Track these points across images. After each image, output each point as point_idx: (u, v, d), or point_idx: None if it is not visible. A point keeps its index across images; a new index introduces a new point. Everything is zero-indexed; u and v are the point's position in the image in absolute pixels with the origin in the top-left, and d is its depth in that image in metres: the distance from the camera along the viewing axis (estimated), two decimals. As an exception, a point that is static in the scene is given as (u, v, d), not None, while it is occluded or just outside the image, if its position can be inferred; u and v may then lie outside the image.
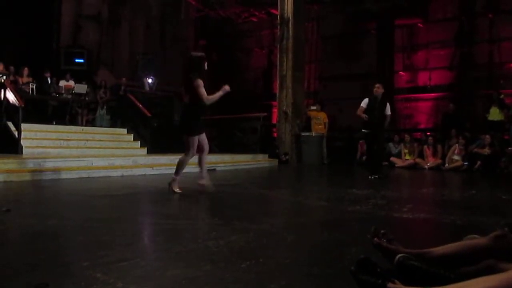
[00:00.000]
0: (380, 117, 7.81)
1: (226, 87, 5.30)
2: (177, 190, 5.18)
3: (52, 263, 2.29)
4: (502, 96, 11.02)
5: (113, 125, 11.93)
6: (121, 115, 12.27)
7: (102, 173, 7.43)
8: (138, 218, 3.89)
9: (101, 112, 12.46)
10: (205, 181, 5.35)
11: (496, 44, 13.79)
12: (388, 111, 7.88)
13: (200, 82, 5.08)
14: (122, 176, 7.56)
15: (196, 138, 5.17)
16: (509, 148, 9.79)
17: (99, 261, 2.27)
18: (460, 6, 14.45)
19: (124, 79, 13.12)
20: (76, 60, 13.98)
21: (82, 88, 11.53)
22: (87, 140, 9.55)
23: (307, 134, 12.43)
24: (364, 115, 7.74)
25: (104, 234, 3.04)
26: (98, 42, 15.68)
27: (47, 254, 2.47)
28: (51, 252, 2.55)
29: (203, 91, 5.08)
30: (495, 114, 10.80)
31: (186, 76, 5.31)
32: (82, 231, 3.14)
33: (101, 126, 11.76)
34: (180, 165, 5.33)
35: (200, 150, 5.29)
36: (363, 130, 8.20)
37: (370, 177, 7.67)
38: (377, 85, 8.06)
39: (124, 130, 10.83)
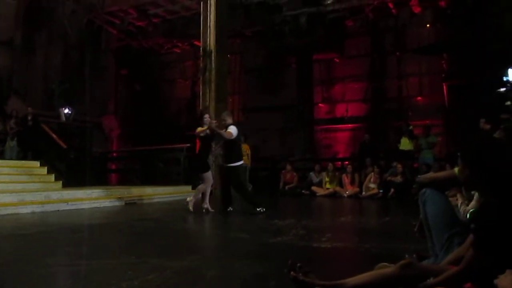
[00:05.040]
0: (223, 149, 7.28)
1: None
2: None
3: None
4: (411, 127, 11.84)
5: (23, 157, 11.13)
6: (32, 147, 11.47)
7: (10, 210, 6.85)
8: (46, 259, 3.60)
9: (11, 143, 11.59)
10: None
11: (404, 79, 14.95)
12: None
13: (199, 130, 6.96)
14: (33, 212, 7.03)
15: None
16: (418, 176, 10.48)
17: (-5, 312, 2.06)
18: (372, 44, 15.57)
19: (29, 108, 12.19)
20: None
21: (-11, 117, 10.72)
22: (-7, 174, 8.81)
23: (231, 165, 12.44)
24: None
25: (6, 280, 2.78)
26: (9, 69, 14.77)
27: None
28: None
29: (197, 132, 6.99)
30: (405, 144, 11.54)
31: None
32: (-21, 278, 2.85)
33: (11, 159, 10.92)
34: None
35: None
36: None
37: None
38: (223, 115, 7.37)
39: (37, 163, 10.12)
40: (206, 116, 7.30)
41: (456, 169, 2.59)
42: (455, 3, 13.38)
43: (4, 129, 11.70)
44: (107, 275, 2.89)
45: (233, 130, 7.02)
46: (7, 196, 7.38)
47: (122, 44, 17.80)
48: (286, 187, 12.34)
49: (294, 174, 12.60)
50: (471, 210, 3.73)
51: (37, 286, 2.68)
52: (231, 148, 7.16)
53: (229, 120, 7.30)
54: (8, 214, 6.63)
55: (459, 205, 4.28)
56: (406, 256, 2.60)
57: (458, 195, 4.47)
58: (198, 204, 7.18)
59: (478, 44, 12.05)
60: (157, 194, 10.34)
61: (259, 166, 14.21)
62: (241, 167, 7.39)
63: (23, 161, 10.43)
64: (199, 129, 7.11)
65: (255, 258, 3.59)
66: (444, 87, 14.09)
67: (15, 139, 11.61)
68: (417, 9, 14.28)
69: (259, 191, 12.41)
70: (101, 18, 16.28)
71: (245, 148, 12.85)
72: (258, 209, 6.90)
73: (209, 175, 7.16)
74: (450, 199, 2.79)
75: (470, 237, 1.92)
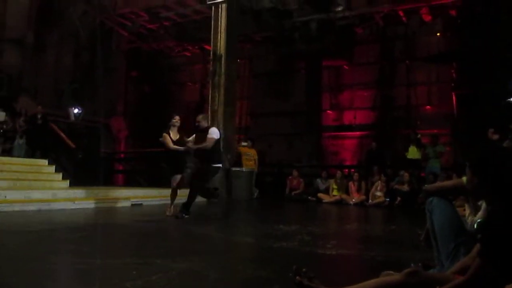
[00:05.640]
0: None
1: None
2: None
3: None
4: (419, 136, 11.79)
5: (31, 155, 11.21)
6: (40, 146, 11.57)
7: (17, 207, 6.90)
8: (51, 257, 3.61)
9: (20, 141, 11.70)
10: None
11: (413, 88, 14.89)
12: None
13: (165, 136, 6.70)
14: (39, 210, 7.06)
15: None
16: (425, 185, 10.41)
17: (-1, 307, 2.07)
18: (381, 52, 15.53)
19: (39, 107, 12.27)
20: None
21: (-1, 115, 10.84)
22: (1, 171, 8.86)
23: (238, 169, 12.42)
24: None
25: (10, 276, 2.79)
26: (20, 67, 14.92)
27: None
28: None
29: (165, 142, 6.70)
30: (413, 152, 11.49)
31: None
32: (-15, 273, 2.86)
33: (19, 157, 11.00)
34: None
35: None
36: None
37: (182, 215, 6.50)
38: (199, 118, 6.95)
39: (45, 161, 10.18)
40: (177, 118, 6.95)
41: (464, 178, 2.57)
42: (465, 12, 13.34)
43: (13, 126, 11.79)
44: (110, 275, 2.90)
45: (214, 133, 6.72)
46: (14, 193, 7.44)
47: (133, 46, 17.94)
48: (292, 193, 12.29)
49: (301, 180, 12.54)
50: (478, 221, 3.70)
51: (40, 283, 2.69)
52: (211, 149, 6.69)
53: (204, 123, 6.93)
54: (14, 211, 6.68)
55: (466, 215, 4.25)
56: (412, 264, 2.58)
57: (466, 206, 4.44)
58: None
59: (488, 53, 11.99)
60: (163, 196, 10.32)
61: (265, 171, 14.18)
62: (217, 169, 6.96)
63: (31, 159, 10.50)
64: (172, 146, 6.66)
65: (259, 261, 3.59)
66: (453, 96, 14.01)
67: (24, 137, 11.71)
68: (427, 18, 14.24)
69: (265, 196, 12.42)
70: (113, 20, 16.42)
71: (252, 153, 12.88)
72: (184, 215, 6.48)
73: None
74: (458, 209, 2.77)
75: (477, 246, 1.90)
